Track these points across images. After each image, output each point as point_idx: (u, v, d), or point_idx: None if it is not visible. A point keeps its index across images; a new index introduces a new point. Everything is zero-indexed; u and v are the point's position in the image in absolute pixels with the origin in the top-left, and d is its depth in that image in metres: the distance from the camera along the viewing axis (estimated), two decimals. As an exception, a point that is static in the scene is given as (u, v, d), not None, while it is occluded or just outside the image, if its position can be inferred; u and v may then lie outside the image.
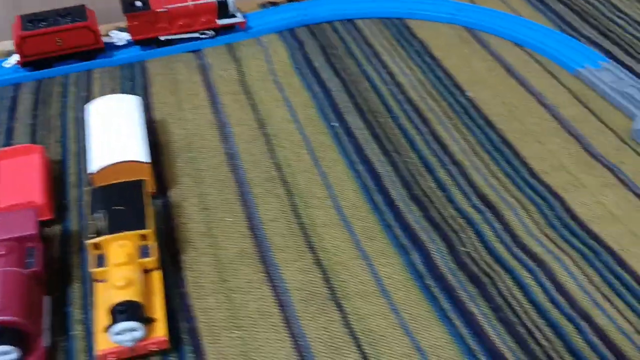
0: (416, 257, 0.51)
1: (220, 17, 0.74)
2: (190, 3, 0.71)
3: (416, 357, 0.44)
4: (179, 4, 0.71)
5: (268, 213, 0.55)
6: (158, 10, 0.70)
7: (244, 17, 0.76)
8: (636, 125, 0.62)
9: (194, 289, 0.49)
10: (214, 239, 0.53)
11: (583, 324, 0.46)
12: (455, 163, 0.59)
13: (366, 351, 0.45)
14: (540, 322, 0.47)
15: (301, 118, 0.65)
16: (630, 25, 0.79)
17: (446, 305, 0.48)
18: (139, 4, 0.70)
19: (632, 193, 0.56)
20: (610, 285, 0.49)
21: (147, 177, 0.52)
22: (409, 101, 0.67)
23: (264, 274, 0.50)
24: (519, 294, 0.48)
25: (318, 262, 0.51)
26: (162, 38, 0.72)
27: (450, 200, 0.56)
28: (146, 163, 0.52)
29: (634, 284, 0.49)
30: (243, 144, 0.61)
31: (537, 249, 0.51)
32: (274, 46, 0.75)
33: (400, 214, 0.55)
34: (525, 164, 0.59)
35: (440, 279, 0.49)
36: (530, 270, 0.50)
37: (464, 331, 0.46)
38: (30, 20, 0.68)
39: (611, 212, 0.55)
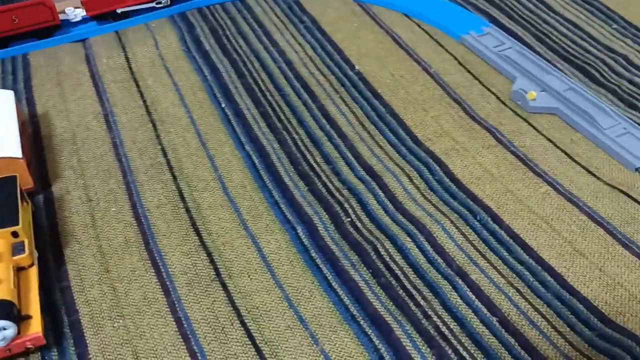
0: (301, 231, 0.52)
1: None
2: None
3: (299, 327, 0.45)
4: None
5: (153, 200, 0.54)
6: None
7: None
8: (515, 87, 0.65)
9: (76, 282, 0.48)
10: (98, 230, 0.52)
11: (459, 281, 0.48)
12: (342, 136, 0.60)
13: (250, 327, 0.45)
14: (419, 282, 0.48)
15: (190, 102, 0.64)
16: (513, -9, 0.81)
17: (329, 275, 0.49)
18: None
19: (509, 152, 0.59)
20: (485, 242, 0.51)
21: (20, 172, 0.51)
22: (299, 78, 0.67)
23: (148, 261, 0.50)
24: (398, 258, 0.50)
25: (203, 245, 0.51)
26: (119, 11, 0.72)
27: (336, 172, 0.57)
28: (18, 158, 0.51)
29: (507, 238, 0.51)
30: (129, 131, 0.61)
31: (417, 213, 0.53)
32: (163, 31, 0.74)
33: (287, 190, 0.55)
34: (409, 132, 0.61)
35: (324, 250, 0.50)
36: (410, 234, 0.51)
37: (346, 299, 0.47)
38: None
39: (490, 172, 0.57)
